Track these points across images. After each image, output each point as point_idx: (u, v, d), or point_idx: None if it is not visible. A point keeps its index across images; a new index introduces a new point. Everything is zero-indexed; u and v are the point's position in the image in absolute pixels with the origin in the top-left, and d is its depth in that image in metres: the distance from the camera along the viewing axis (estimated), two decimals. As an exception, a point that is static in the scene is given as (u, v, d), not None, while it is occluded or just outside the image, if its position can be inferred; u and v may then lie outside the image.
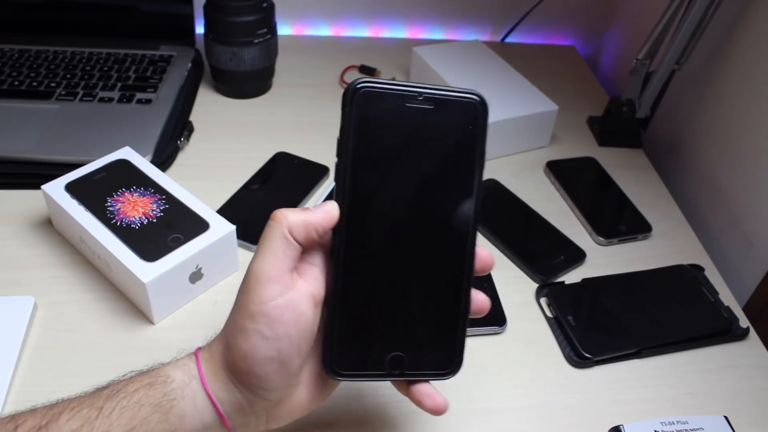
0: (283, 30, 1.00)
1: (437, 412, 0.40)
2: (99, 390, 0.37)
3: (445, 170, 0.39)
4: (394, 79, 0.37)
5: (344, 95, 0.37)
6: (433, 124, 0.38)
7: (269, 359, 0.37)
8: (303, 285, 0.38)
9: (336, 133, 0.87)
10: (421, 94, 0.38)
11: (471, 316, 0.41)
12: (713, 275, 0.64)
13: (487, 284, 0.60)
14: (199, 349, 0.40)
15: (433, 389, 0.41)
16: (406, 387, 0.41)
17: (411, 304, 0.40)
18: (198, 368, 0.39)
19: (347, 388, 0.50)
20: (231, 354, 0.38)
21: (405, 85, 0.38)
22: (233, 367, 0.38)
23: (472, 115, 0.39)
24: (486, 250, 0.41)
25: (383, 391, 0.50)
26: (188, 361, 0.39)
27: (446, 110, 0.38)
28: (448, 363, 0.41)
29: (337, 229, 0.38)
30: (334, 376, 0.39)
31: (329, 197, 0.67)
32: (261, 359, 0.37)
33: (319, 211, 0.38)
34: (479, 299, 0.42)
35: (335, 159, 0.38)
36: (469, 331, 0.42)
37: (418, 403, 0.41)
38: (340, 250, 0.38)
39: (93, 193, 0.58)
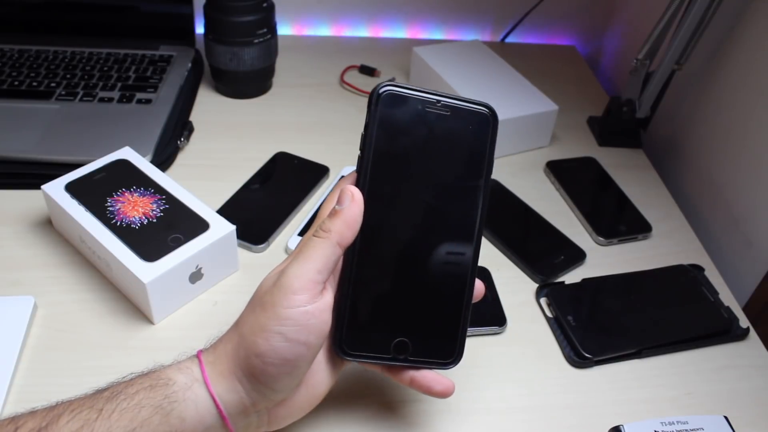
0: (283, 30, 1.00)
1: (446, 394, 0.42)
2: (99, 392, 0.37)
3: (456, 170, 0.42)
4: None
5: (370, 95, 0.40)
6: (447, 130, 0.41)
7: (285, 361, 0.38)
8: (328, 294, 0.39)
9: (336, 133, 0.87)
10: (439, 101, 0.41)
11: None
12: (713, 275, 0.64)
13: (487, 284, 0.60)
14: (201, 351, 0.40)
15: (438, 374, 0.42)
16: (410, 378, 0.42)
17: (418, 294, 0.42)
18: (201, 371, 0.39)
19: (347, 391, 0.50)
20: (246, 351, 0.38)
21: (425, 92, 0.41)
22: (246, 364, 0.38)
23: (483, 125, 0.42)
24: (479, 281, 0.44)
25: (384, 391, 0.50)
26: (190, 363, 0.39)
27: (460, 118, 0.42)
28: (450, 353, 0.43)
29: None
30: (343, 354, 0.41)
31: (329, 197, 0.67)
32: (277, 359, 0.38)
33: (353, 206, 0.39)
34: (476, 286, 0.44)
35: (359, 152, 0.41)
36: (470, 331, 0.43)
37: (427, 390, 0.42)
38: (356, 236, 0.40)
39: (93, 193, 0.58)
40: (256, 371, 0.38)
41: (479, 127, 0.42)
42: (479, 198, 0.42)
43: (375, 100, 0.40)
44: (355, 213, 0.39)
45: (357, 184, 0.40)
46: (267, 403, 0.40)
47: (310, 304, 0.38)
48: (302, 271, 0.38)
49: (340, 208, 0.39)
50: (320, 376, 0.42)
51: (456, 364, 0.43)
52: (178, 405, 0.37)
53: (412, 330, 0.42)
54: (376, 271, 0.41)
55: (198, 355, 0.40)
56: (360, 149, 0.41)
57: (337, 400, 0.48)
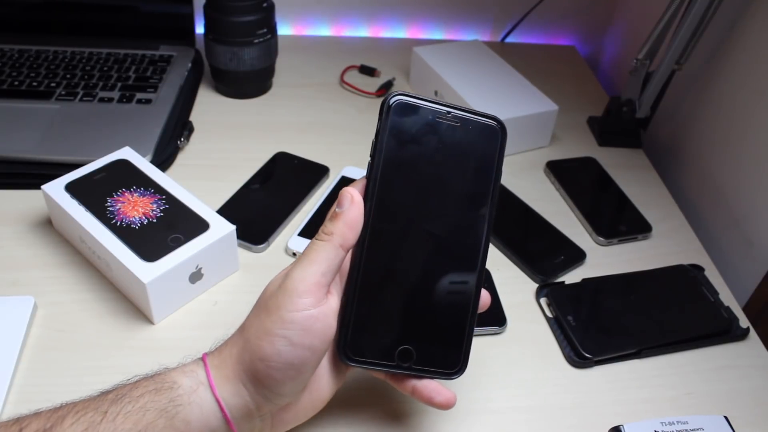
0: (283, 30, 1.00)
1: (448, 406, 0.42)
2: (104, 394, 0.37)
3: (464, 181, 0.42)
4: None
5: (382, 103, 0.41)
6: (457, 140, 0.42)
7: (289, 365, 0.38)
8: (333, 299, 0.40)
9: (336, 133, 0.87)
10: (449, 112, 0.42)
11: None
12: (713, 275, 0.64)
13: (487, 284, 0.60)
14: (206, 354, 0.40)
15: (440, 385, 0.42)
16: (412, 388, 0.42)
17: (424, 302, 0.42)
18: (207, 375, 0.39)
19: (348, 397, 0.50)
20: (251, 355, 0.38)
21: (436, 102, 0.42)
22: (251, 368, 0.38)
23: (492, 138, 0.43)
24: (485, 291, 0.44)
25: (385, 392, 0.50)
26: (195, 367, 0.39)
27: (470, 130, 0.42)
28: (455, 363, 0.43)
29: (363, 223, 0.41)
30: (346, 360, 0.41)
31: (329, 197, 0.67)
32: (282, 364, 0.38)
33: (353, 208, 0.39)
34: (482, 296, 0.44)
35: (368, 158, 0.41)
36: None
37: (428, 400, 0.42)
38: (363, 242, 0.40)
39: (93, 193, 0.58)
40: (261, 375, 0.38)
41: (488, 140, 0.42)
42: (487, 208, 0.43)
43: (386, 109, 0.40)
44: (356, 214, 0.39)
45: (366, 190, 0.41)
46: (271, 407, 0.40)
47: (315, 308, 0.38)
48: (306, 274, 0.38)
49: (341, 210, 0.40)
50: (324, 381, 0.42)
51: (460, 375, 0.43)
52: (183, 408, 0.37)
53: (417, 338, 0.42)
54: (382, 277, 0.41)
55: (203, 358, 0.40)
56: (370, 156, 0.41)
57: (336, 402, 0.48)
